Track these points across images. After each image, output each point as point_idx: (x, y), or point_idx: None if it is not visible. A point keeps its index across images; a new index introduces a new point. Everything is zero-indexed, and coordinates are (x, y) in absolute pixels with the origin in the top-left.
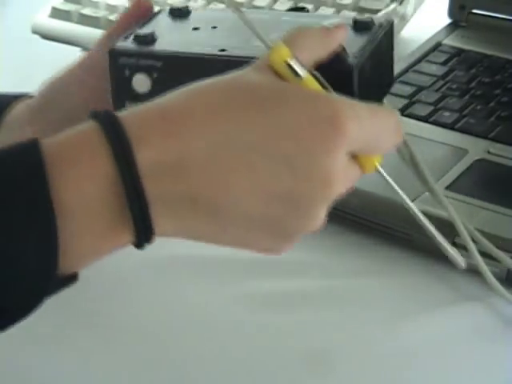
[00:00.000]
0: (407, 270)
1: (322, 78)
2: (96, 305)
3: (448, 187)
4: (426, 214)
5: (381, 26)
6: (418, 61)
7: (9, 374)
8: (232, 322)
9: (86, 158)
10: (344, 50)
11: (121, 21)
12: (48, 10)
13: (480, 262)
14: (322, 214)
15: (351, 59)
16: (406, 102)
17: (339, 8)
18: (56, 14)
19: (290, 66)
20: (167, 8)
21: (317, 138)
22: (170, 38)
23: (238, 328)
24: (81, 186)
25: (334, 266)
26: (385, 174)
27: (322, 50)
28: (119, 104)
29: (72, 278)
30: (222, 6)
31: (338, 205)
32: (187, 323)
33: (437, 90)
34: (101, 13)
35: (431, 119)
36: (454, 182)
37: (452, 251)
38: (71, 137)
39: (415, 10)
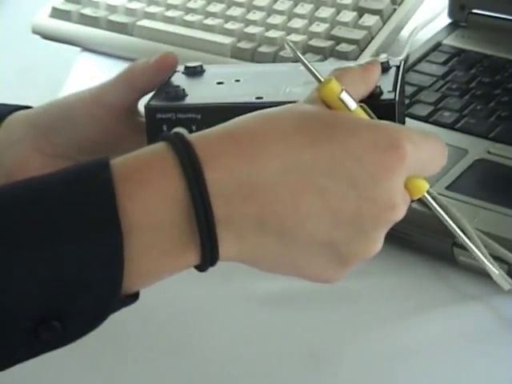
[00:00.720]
0: (407, 269)
1: (369, 110)
2: None
3: (448, 187)
4: (426, 213)
5: (398, 67)
6: (418, 61)
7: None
8: (231, 321)
9: (155, 177)
10: (379, 86)
11: (146, 65)
12: (48, 10)
13: (491, 262)
14: (381, 238)
15: (390, 94)
16: (406, 102)
17: (339, 8)
18: (56, 13)
19: (340, 99)
20: (181, 68)
21: (380, 161)
22: (199, 92)
23: (237, 328)
24: (149, 204)
25: None
26: (431, 200)
27: (363, 85)
28: None
29: (133, 297)
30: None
31: None
32: (185, 322)
33: (437, 90)
34: (101, 13)
35: (431, 119)
36: (454, 182)
37: (499, 273)
38: (141, 156)
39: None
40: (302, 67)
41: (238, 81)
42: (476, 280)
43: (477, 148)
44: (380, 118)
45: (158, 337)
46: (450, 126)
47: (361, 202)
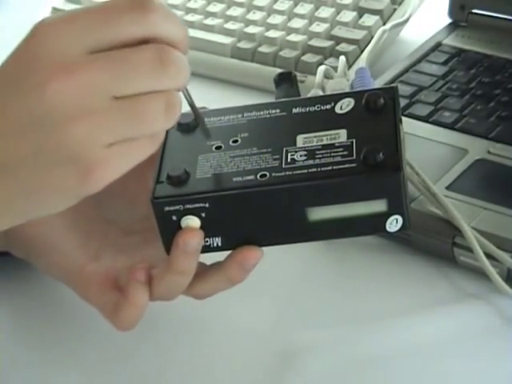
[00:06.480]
0: (407, 269)
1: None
2: None
3: (448, 187)
4: (426, 214)
5: (392, 99)
6: (418, 61)
7: None
8: (224, 323)
9: None
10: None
11: None
12: (48, 10)
13: (485, 262)
14: (59, 116)
15: (394, 159)
16: (406, 101)
17: (339, 8)
18: (56, 14)
19: None
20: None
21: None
22: (201, 169)
23: (234, 327)
24: None
25: (334, 265)
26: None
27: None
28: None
29: None
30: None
31: None
32: (175, 323)
33: (437, 90)
34: None
35: (431, 119)
36: (454, 181)
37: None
38: None
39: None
40: (296, 109)
41: (235, 142)
42: (476, 279)
43: (477, 148)
44: (384, 190)
45: (149, 337)
46: (450, 126)
47: (24, 102)
